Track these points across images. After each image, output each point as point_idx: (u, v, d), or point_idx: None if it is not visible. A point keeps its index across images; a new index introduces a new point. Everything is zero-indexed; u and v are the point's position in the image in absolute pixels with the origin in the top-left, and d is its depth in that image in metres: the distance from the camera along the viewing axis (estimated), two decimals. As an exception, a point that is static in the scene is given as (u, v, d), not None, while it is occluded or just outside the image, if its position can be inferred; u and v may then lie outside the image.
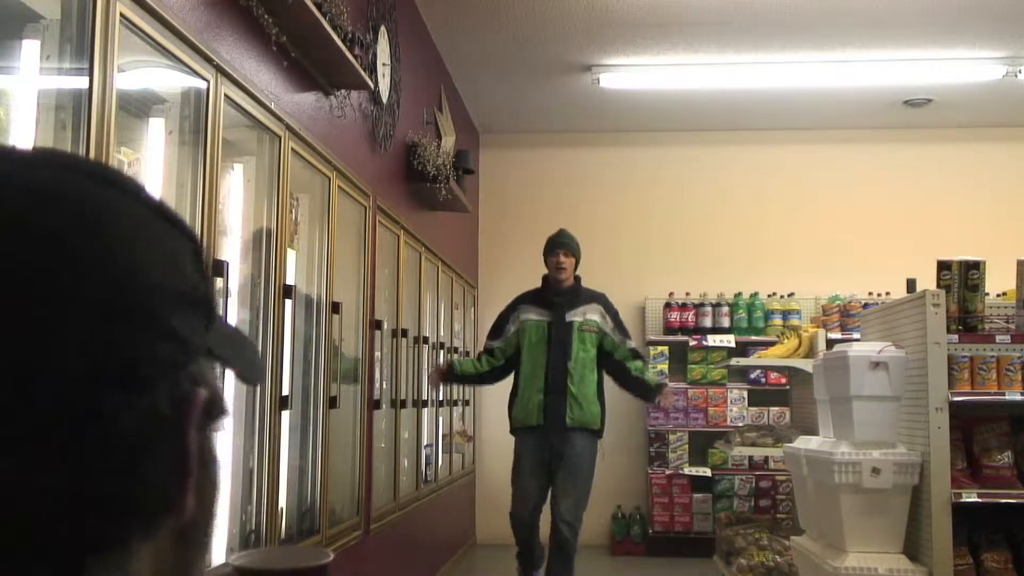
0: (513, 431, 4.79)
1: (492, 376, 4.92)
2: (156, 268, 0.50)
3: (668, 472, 7.12)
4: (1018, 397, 3.49)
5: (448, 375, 4.94)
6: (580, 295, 4.78)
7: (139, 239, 0.50)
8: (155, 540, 0.50)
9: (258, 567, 0.85)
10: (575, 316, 4.69)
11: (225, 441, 2.88)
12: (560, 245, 4.79)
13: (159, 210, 0.54)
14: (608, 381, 4.87)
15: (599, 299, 4.82)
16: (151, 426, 0.48)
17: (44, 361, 0.45)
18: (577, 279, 4.83)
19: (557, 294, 4.74)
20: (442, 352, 5.99)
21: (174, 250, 0.53)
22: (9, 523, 0.45)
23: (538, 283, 4.92)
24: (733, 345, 7.09)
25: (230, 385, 2.82)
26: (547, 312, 4.72)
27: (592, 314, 4.72)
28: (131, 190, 0.53)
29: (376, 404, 4.38)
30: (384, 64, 4.43)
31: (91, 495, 0.46)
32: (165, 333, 0.49)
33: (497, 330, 4.91)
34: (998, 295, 4.10)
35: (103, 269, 0.48)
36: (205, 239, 2.54)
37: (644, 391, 4.82)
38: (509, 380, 4.87)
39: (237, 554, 0.90)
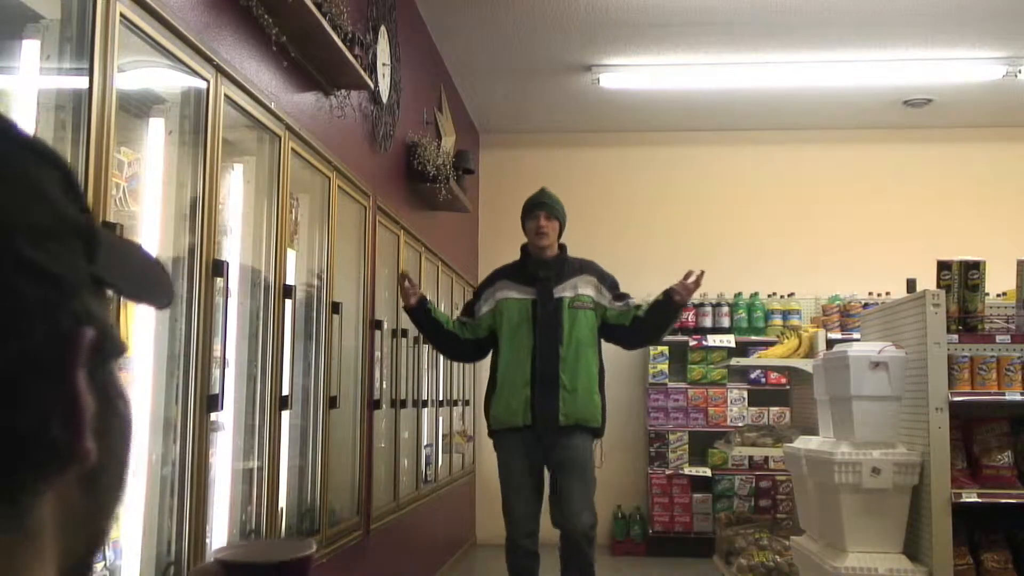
0: (493, 434, 4.05)
1: (458, 345, 4.12)
2: (8, 202, 0.45)
3: (668, 472, 7.12)
4: (1018, 397, 3.49)
5: (419, 308, 4.02)
6: (568, 266, 4.02)
7: None
8: (58, 488, 0.47)
9: (241, 560, 0.85)
10: (564, 291, 3.94)
11: (225, 441, 2.88)
12: (539, 206, 4.00)
13: (13, 139, 0.49)
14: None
15: (590, 268, 4.05)
16: (26, 375, 0.44)
17: None
18: (562, 248, 4.09)
19: (541, 267, 3.98)
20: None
21: (33, 181, 0.48)
22: None
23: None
24: (733, 345, 7.09)
25: (230, 384, 2.83)
26: (530, 289, 3.96)
27: (585, 288, 3.97)
28: None
29: (376, 404, 4.38)
30: (384, 64, 4.44)
31: None
32: (28, 271, 0.45)
33: (468, 308, 4.15)
34: (998, 295, 4.10)
35: None
36: (205, 239, 2.54)
37: (666, 313, 3.94)
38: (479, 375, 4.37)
39: (220, 548, 0.91)
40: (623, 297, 4.05)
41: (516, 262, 4.11)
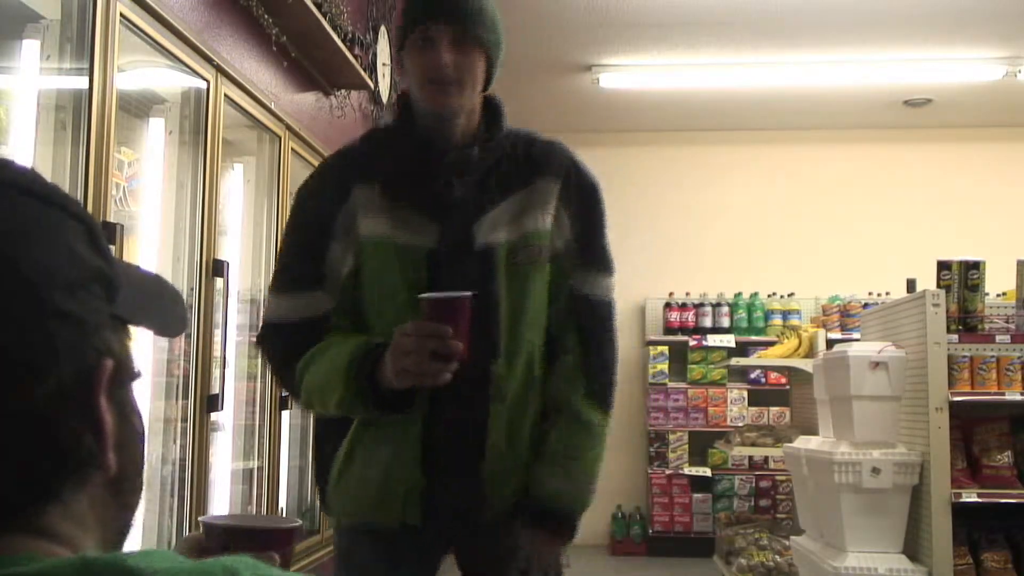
0: (338, 532, 1.87)
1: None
2: (41, 259, 0.55)
3: (668, 472, 7.12)
4: (1018, 397, 3.48)
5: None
6: (507, 157, 1.70)
7: (18, 237, 0.55)
8: (89, 491, 0.56)
9: (227, 524, 0.89)
10: (498, 225, 1.65)
11: (225, 441, 2.88)
12: (438, 7, 1.60)
13: (43, 198, 0.58)
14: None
15: (548, 158, 1.73)
16: (59, 403, 0.54)
17: None
18: (491, 108, 1.73)
19: (451, 163, 1.64)
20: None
21: (61, 236, 0.57)
22: None
23: None
24: (733, 345, 7.08)
25: (230, 384, 2.83)
26: (423, 219, 1.63)
27: (539, 209, 1.67)
28: (7, 182, 0.56)
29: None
30: (384, 64, 4.44)
31: (16, 469, 0.54)
32: (59, 317, 0.54)
33: (296, 263, 1.67)
34: (998, 295, 4.10)
35: None
36: (205, 239, 2.54)
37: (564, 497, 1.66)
38: None
39: (210, 516, 0.93)
40: (598, 258, 1.72)
41: (390, 138, 1.72)
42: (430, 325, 1.42)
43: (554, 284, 1.69)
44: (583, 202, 1.72)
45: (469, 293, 1.44)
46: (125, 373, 0.60)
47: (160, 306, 0.66)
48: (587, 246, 1.71)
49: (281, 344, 1.63)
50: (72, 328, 0.55)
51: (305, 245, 1.66)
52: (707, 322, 7.25)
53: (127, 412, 0.60)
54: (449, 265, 1.62)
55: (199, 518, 0.96)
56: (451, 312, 1.41)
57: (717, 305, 7.30)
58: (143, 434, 0.63)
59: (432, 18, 1.59)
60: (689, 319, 7.24)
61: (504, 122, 1.74)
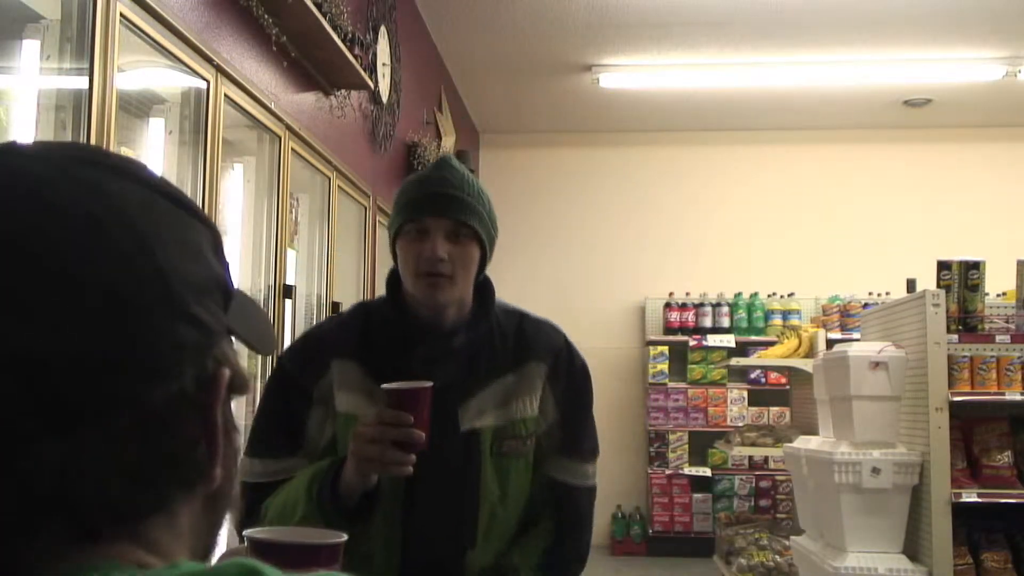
0: None
1: None
2: (177, 260, 0.54)
3: (668, 472, 7.12)
4: (1018, 397, 3.49)
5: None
6: (494, 344, 1.67)
7: (160, 234, 0.54)
8: (192, 504, 0.56)
9: (273, 539, 0.85)
10: (484, 412, 1.63)
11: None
12: (437, 202, 1.59)
13: (178, 201, 0.57)
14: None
15: (536, 342, 1.68)
16: (181, 408, 0.53)
17: (65, 352, 0.49)
18: (483, 291, 1.68)
19: (434, 350, 1.62)
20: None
21: (194, 239, 0.56)
22: (50, 498, 0.50)
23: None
24: (733, 345, 7.09)
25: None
26: None
27: (525, 394, 1.65)
28: (148, 182, 0.56)
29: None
30: (384, 64, 4.44)
31: (134, 474, 0.52)
32: (188, 321, 0.53)
33: (275, 433, 1.64)
34: (998, 295, 4.10)
35: (125, 264, 0.51)
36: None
37: None
38: None
39: (253, 529, 0.90)
40: (581, 445, 1.72)
41: (379, 314, 1.73)
42: (392, 413, 1.43)
43: (535, 467, 1.68)
44: (570, 387, 1.71)
45: (430, 383, 1.44)
46: (238, 385, 0.59)
47: (256, 322, 0.64)
48: (570, 433, 1.70)
49: (254, 502, 1.60)
50: (198, 333, 0.54)
51: (282, 412, 1.66)
52: (707, 322, 7.25)
53: (230, 426, 0.59)
54: (435, 453, 1.50)
55: (243, 532, 0.93)
56: (412, 401, 1.42)
57: (717, 305, 7.30)
58: (240, 452, 0.62)
59: (429, 212, 1.59)
60: (689, 319, 7.24)
61: (492, 300, 1.71)
